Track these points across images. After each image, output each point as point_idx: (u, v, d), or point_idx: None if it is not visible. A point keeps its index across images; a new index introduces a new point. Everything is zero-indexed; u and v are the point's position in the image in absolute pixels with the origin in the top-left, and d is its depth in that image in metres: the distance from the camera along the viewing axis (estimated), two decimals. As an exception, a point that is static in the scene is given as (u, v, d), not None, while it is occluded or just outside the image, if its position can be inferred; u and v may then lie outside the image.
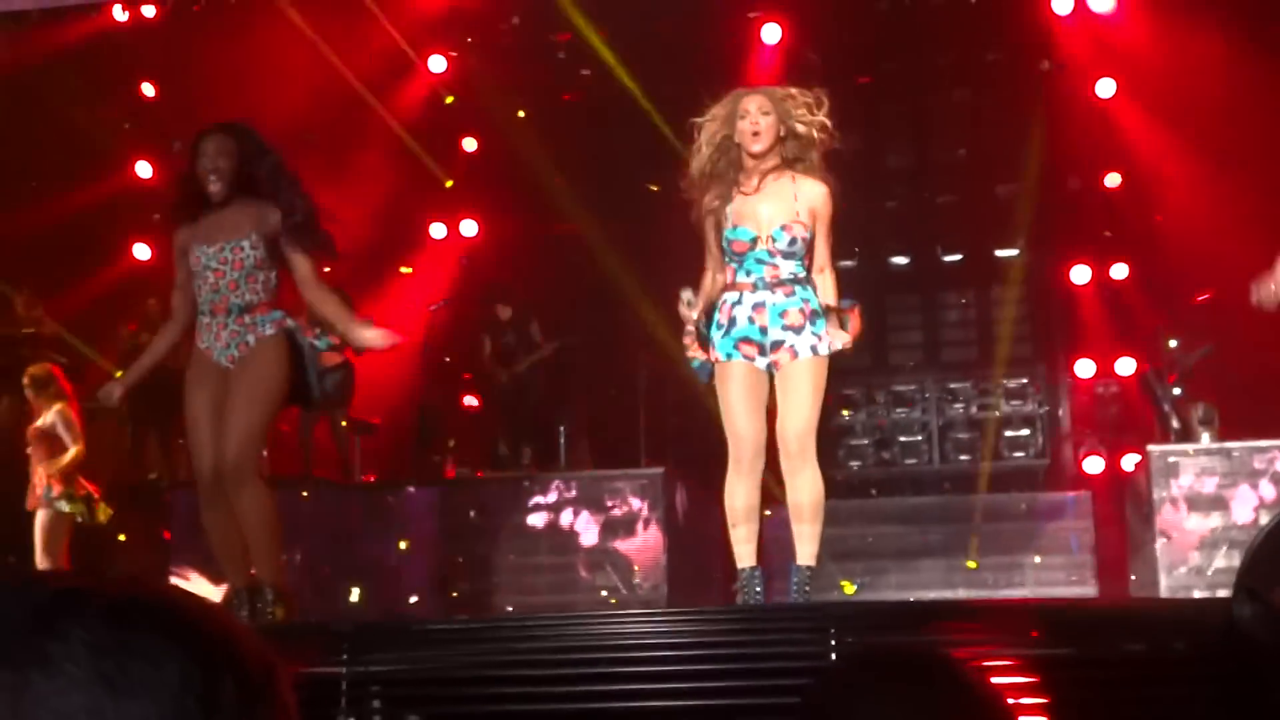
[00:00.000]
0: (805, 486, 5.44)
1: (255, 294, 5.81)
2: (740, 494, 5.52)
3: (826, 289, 5.57)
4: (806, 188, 5.53)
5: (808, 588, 5.47)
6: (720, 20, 10.78)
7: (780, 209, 5.51)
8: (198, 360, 5.87)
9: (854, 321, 5.54)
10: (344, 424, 10.08)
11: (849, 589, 9.24)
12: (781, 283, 5.49)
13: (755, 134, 5.48)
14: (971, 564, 9.30)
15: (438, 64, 11.15)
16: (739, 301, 5.54)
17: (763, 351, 5.48)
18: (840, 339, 5.47)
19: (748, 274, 5.52)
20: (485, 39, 11.07)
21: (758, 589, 5.50)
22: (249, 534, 5.74)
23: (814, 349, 5.42)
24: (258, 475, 5.77)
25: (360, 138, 11.07)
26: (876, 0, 10.90)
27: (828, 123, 5.56)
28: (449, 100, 11.36)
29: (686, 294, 5.66)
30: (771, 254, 5.48)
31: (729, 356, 5.52)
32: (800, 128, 5.52)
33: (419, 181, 11.47)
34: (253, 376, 5.75)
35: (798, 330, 5.44)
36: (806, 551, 5.48)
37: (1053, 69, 10.61)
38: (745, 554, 5.55)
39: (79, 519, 8.39)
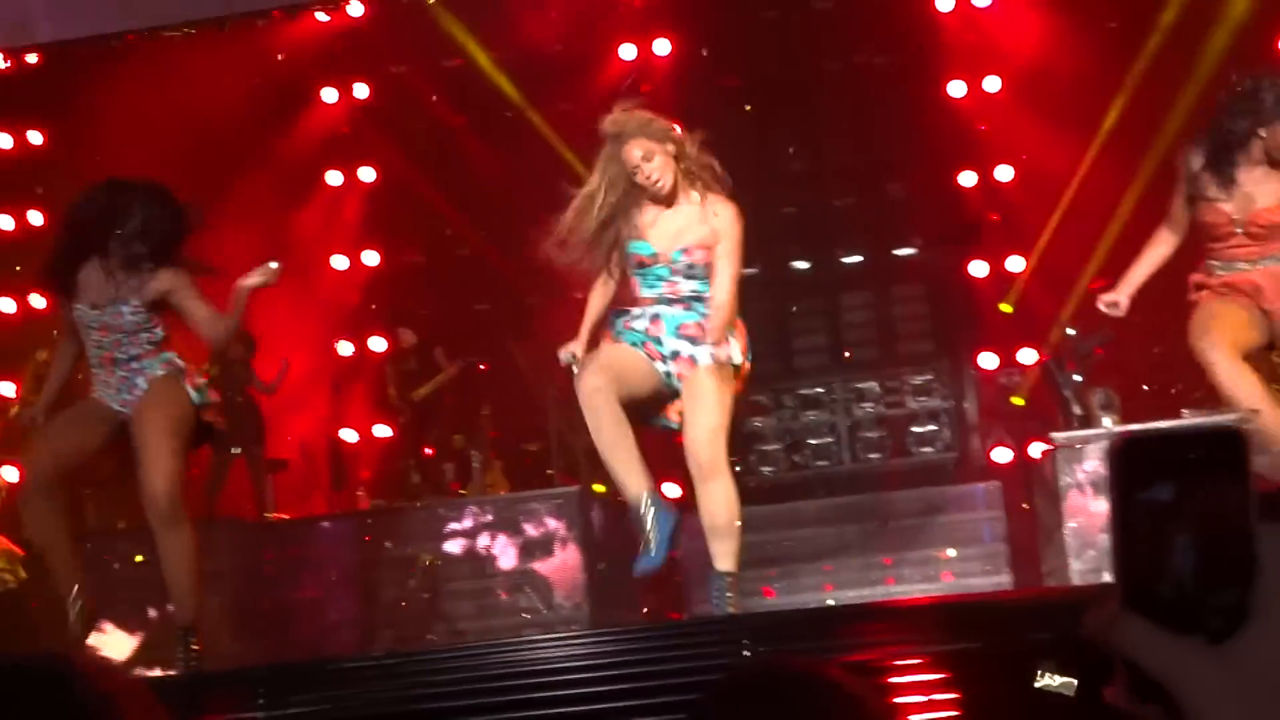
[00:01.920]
0: (719, 500, 5.42)
1: (140, 347, 5.83)
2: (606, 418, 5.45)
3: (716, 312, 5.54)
4: (715, 209, 5.55)
5: (730, 594, 5.41)
6: (610, 36, 10.84)
7: (685, 229, 5.54)
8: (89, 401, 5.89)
9: (739, 334, 5.58)
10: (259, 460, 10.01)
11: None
12: (681, 299, 5.53)
13: (656, 182, 5.52)
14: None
15: (330, 95, 11.11)
16: (640, 315, 5.57)
17: (664, 360, 5.50)
18: (728, 351, 5.48)
19: (650, 288, 5.57)
20: (375, 69, 11.04)
21: (656, 515, 5.38)
22: (171, 574, 5.72)
23: (714, 357, 5.45)
24: (186, 515, 5.76)
25: (254, 173, 10.99)
26: (764, 9, 11.02)
27: (710, 162, 5.62)
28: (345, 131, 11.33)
29: (566, 354, 5.71)
30: (672, 272, 5.53)
31: (632, 344, 5.55)
32: (688, 151, 5.57)
33: (318, 215, 11.42)
34: (156, 414, 5.75)
35: (695, 341, 5.46)
36: (726, 558, 5.45)
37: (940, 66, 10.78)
38: (638, 482, 5.45)
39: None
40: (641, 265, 5.58)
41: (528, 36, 10.51)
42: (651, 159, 5.50)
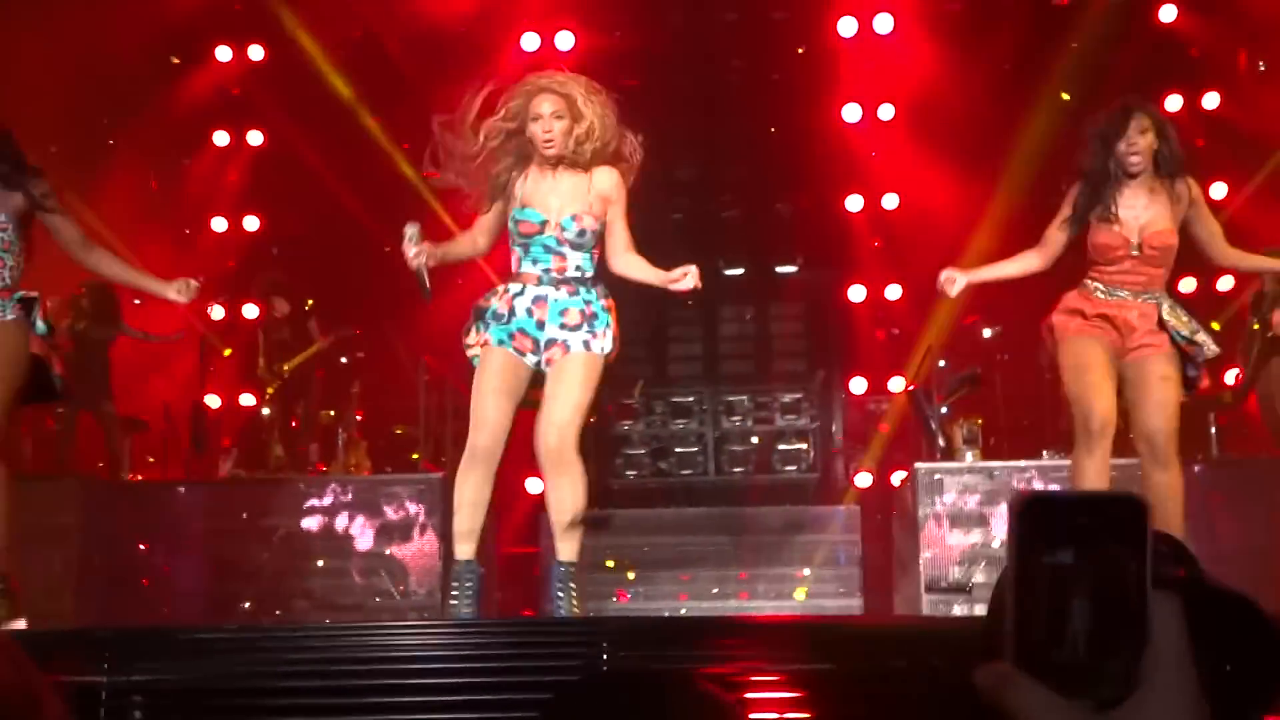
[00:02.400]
0: (566, 487, 5.33)
1: None
2: (470, 485, 5.39)
3: (642, 267, 5.52)
4: (599, 177, 5.44)
5: (572, 584, 5.37)
6: (514, 24, 10.79)
7: (573, 198, 5.43)
8: None
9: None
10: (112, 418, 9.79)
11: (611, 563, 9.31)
12: (566, 280, 5.41)
13: (548, 140, 5.41)
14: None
15: (224, 54, 10.91)
16: (520, 293, 5.44)
17: (536, 349, 5.40)
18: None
19: (534, 263, 5.41)
20: (273, 32, 10.87)
21: (469, 585, 5.36)
22: None
23: (586, 344, 5.36)
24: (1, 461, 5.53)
25: (143, 126, 10.78)
26: (670, 12, 11.05)
27: (629, 136, 5.56)
28: (234, 92, 11.15)
29: (411, 229, 5.43)
30: (560, 242, 5.41)
31: (500, 343, 5.45)
32: (597, 131, 5.47)
33: (203, 174, 11.23)
34: None
35: (574, 328, 5.40)
36: (567, 548, 5.38)
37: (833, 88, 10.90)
38: (466, 549, 5.41)
39: None
40: (526, 235, 5.45)
41: (432, 15, 10.43)
42: (561, 116, 5.41)
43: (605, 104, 5.48)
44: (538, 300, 5.40)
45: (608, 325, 5.44)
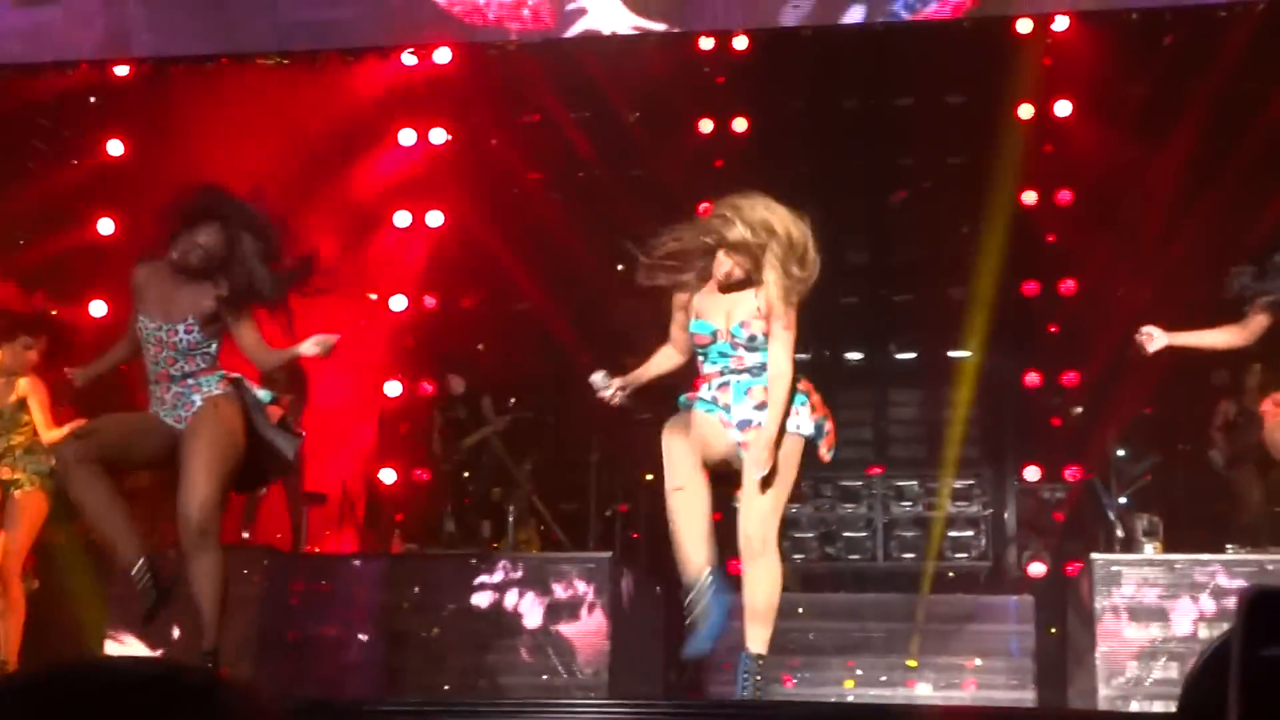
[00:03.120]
0: (763, 579, 5.35)
1: (195, 365, 5.83)
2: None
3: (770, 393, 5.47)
4: (767, 277, 5.48)
5: (759, 677, 5.31)
6: (689, 109, 10.91)
7: (740, 303, 5.56)
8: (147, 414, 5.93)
9: (815, 399, 5.55)
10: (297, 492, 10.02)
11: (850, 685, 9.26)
12: (747, 369, 5.51)
13: (728, 277, 5.53)
14: (911, 663, 9.31)
15: (407, 138, 11.20)
16: (706, 387, 5.58)
17: (734, 428, 5.46)
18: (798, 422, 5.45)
19: (713, 364, 5.57)
20: (455, 116, 11.13)
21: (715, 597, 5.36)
22: (197, 598, 5.69)
23: (784, 427, 5.39)
24: (218, 540, 5.71)
25: (325, 205, 11.09)
26: (844, 98, 11.07)
27: (804, 273, 5.58)
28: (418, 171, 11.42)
29: (600, 379, 5.68)
30: (733, 346, 5.54)
31: (707, 410, 5.53)
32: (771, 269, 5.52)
33: (382, 253, 11.51)
34: (206, 434, 5.71)
35: (763, 408, 5.42)
36: (758, 639, 5.34)
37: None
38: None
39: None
40: (702, 345, 5.60)
41: (608, 101, 10.59)
42: (742, 266, 5.51)
43: (773, 233, 5.51)
44: (722, 386, 5.49)
45: (805, 404, 5.49)
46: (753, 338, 5.50)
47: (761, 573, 5.32)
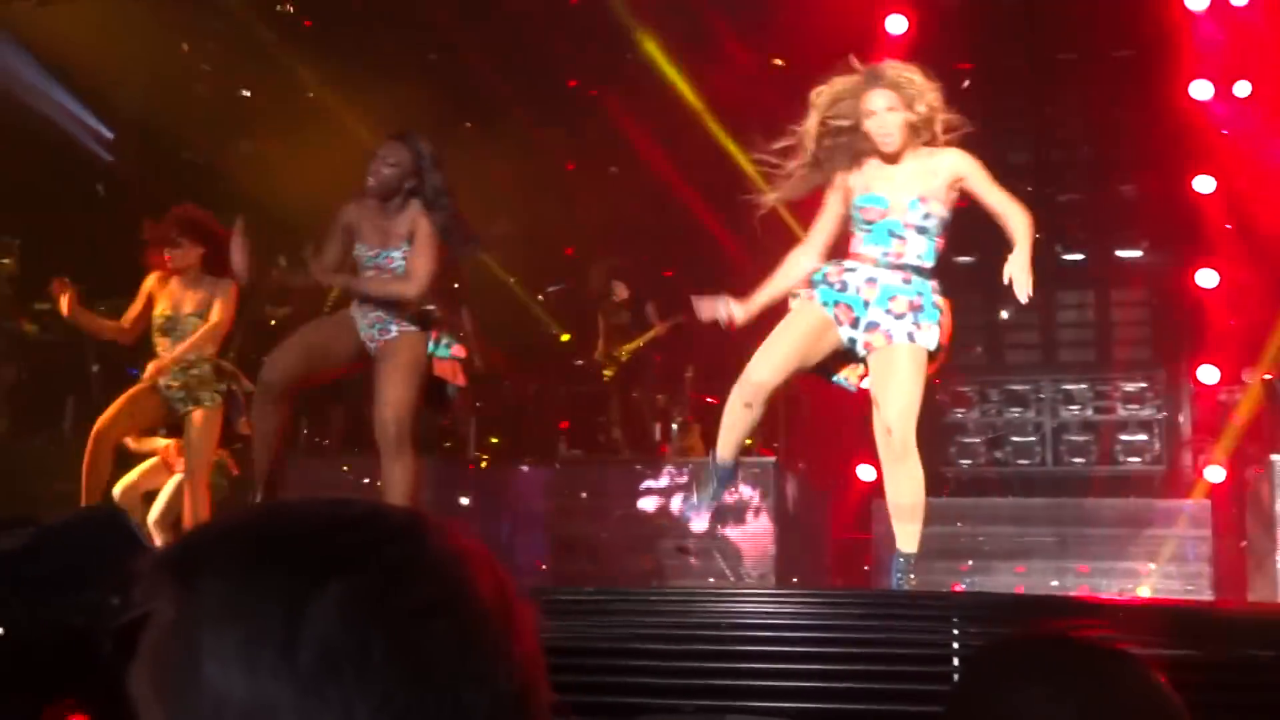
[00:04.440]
0: (906, 482, 5.29)
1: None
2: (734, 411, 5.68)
3: (1015, 228, 5.41)
4: (946, 159, 5.35)
5: (911, 575, 5.33)
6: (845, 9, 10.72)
7: (919, 180, 5.34)
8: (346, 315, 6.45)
9: (945, 320, 5.44)
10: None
11: None
12: (903, 267, 5.36)
13: (886, 137, 5.34)
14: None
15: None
16: (854, 270, 5.43)
17: (855, 325, 5.36)
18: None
19: (875, 245, 5.40)
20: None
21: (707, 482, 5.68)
22: (392, 501, 5.95)
23: (910, 336, 5.28)
24: (411, 448, 6.17)
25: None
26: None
27: (953, 118, 5.46)
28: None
29: (723, 310, 5.65)
30: (905, 226, 5.36)
31: (824, 304, 5.43)
32: (930, 118, 5.39)
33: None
34: (400, 357, 6.23)
35: (899, 317, 5.32)
36: (908, 539, 5.35)
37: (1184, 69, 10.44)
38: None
39: None
40: (870, 221, 5.42)
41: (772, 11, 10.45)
42: (895, 112, 5.35)
43: (935, 89, 5.41)
44: (869, 280, 5.37)
45: (935, 321, 5.35)
46: (927, 216, 5.38)
47: (904, 475, 5.27)
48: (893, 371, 5.29)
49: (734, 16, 10.56)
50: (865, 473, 9.54)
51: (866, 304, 5.35)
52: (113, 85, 10.49)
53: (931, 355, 5.36)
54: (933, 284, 5.39)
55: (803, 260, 5.59)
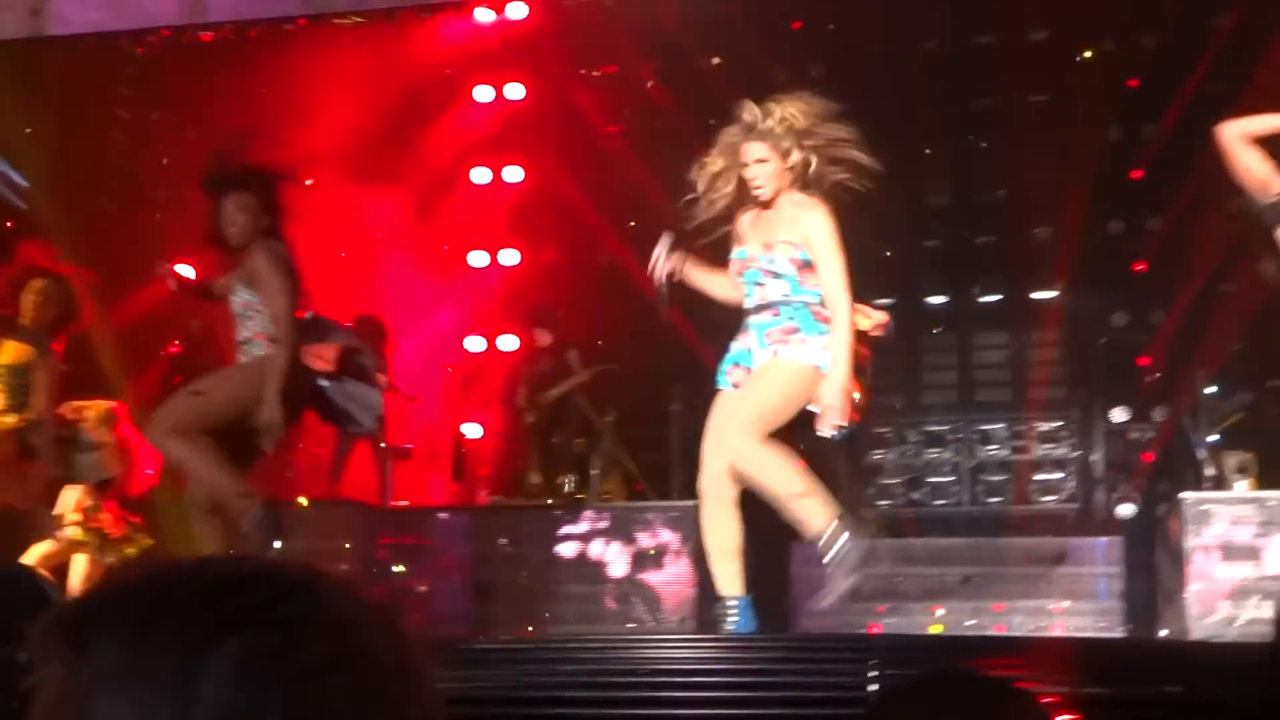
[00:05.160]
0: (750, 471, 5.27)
1: (250, 330, 6.09)
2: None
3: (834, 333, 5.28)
4: (806, 216, 5.33)
5: (729, 621, 5.12)
6: (763, 57, 10.82)
7: (778, 228, 5.36)
8: None
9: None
10: (382, 446, 10.12)
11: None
12: (769, 305, 5.36)
13: (757, 186, 5.37)
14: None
15: (484, 94, 11.21)
16: (741, 326, 5.47)
17: (749, 373, 5.36)
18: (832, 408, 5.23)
19: (747, 297, 5.45)
20: (532, 71, 11.12)
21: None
22: None
23: (776, 352, 5.24)
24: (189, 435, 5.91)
25: (402, 164, 11.15)
26: (923, 36, 10.94)
27: (854, 157, 5.44)
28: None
29: (666, 240, 5.56)
30: (763, 273, 5.37)
31: (720, 388, 5.45)
32: (806, 161, 5.38)
33: (461, 210, 11.55)
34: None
35: (780, 346, 5.28)
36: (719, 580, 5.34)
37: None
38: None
39: None
40: (738, 274, 5.48)
41: (683, 49, 10.53)
42: (766, 163, 5.35)
43: (809, 120, 5.40)
44: (744, 330, 5.40)
45: (817, 334, 5.30)
46: (772, 261, 5.38)
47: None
48: (749, 386, 5.23)
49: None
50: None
51: (750, 353, 5.35)
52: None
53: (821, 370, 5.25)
54: (811, 304, 5.34)
55: (720, 282, 5.65)
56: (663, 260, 5.44)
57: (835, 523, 5.11)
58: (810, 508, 5.13)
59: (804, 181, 5.43)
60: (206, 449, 5.95)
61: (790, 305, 5.32)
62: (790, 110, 5.43)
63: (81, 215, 10.32)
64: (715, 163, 5.47)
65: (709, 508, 5.28)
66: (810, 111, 5.44)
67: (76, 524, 7.58)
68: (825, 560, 5.10)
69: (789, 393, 5.20)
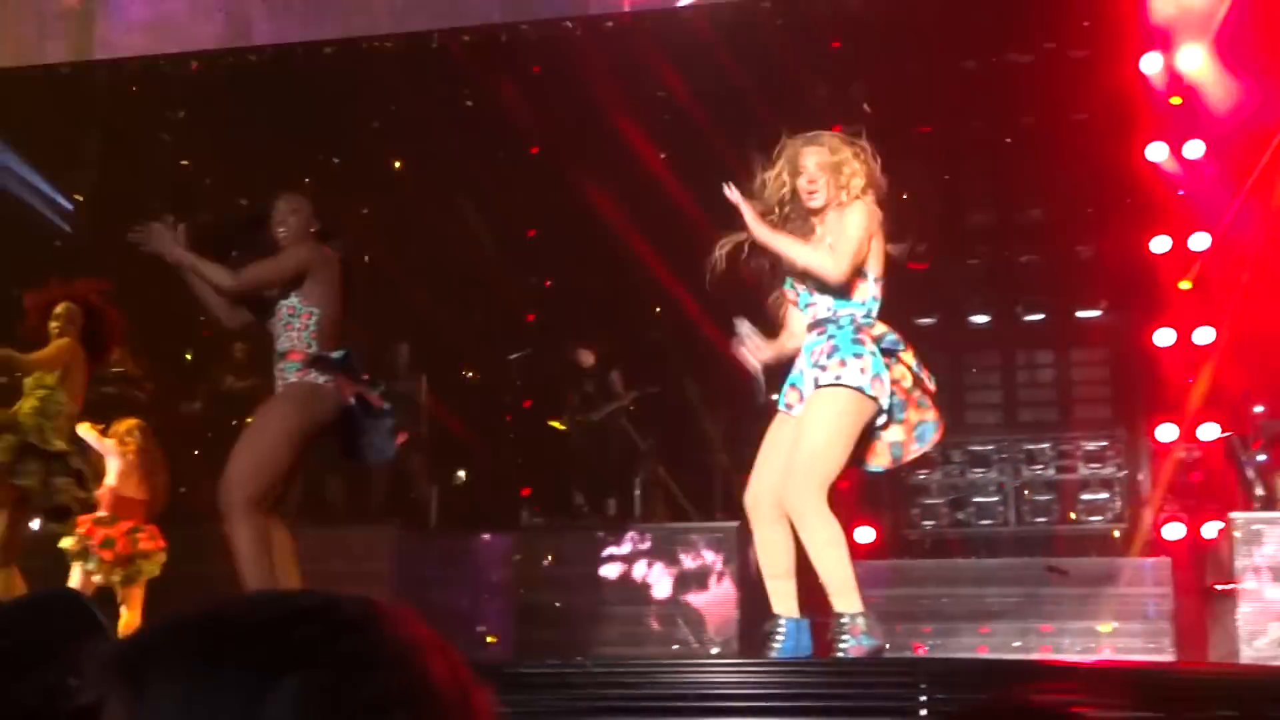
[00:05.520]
0: (807, 546, 5.07)
1: (290, 342, 5.92)
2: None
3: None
4: (836, 218, 5.27)
5: (847, 639, 4.87)
6: (804, 77, 10.80)
7: (818, 241, 5.29)
8: None
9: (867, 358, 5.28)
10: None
11: None
12: (818, 323, 5.32)
13: (811, 192, 5.34)
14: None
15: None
16: (794, 360, 5.43)
17: (802, 398, 5.29)
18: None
19: (805, 315, 5.42)
20: (570, 93, 11.13)
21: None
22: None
23: (816, 382, 5.11)
24: (247, 509, 5.66)
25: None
26: (962, 59, 10.90)
27: (881, 181, 5.41)
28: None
29: (744, 327, 5.42)
30: (811, 294, 5.35)
31: (780, 409, 5.39)
32: (854, 182, 5.36)
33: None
34: (260, 414, 5.97)
35: (815, 367, 5.18)
36: (835, 600, 5.05)
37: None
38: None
39: None
40: (793, 301, 5.45)
41: (724, 71, 10.51)
42: (824, 171, 5.33)
43: (867, 164, 5.38)
44: (799, 354, 5.34)
45: (854, 356, 5.16)
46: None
47: (803, 538, 5.11)
48: (800, 426, 5.14)
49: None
50: (863, 534, 9.45)
51: (801, 374, 5.30)
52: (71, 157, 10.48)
53: (870, 395, 5.13)
54: (852, 324, 5.24)
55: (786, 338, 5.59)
56: (749, 346, 5.37)
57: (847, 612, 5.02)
58: (846, 590, 5.04)
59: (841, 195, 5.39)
60: (263, 549, 5.72)
61: (834, 322, 5.26)
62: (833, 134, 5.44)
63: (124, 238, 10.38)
64: (773, 170, 5.42)
65: (757, 527, 5.23)
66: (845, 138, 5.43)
67: (74, 536, 7.52)
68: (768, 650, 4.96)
69: (832, 431, 5.07)
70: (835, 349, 5.15)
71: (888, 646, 5.06)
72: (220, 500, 5.64)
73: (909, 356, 5.36)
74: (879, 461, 5.37)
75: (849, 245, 5.19)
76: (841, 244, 5.19)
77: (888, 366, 5.20)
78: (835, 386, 5.08)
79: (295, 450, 5.73)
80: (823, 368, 5.13)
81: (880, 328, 5.26)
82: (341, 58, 9.83)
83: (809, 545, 5.03)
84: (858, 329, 5.21)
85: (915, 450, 5.33)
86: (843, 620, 4.92)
